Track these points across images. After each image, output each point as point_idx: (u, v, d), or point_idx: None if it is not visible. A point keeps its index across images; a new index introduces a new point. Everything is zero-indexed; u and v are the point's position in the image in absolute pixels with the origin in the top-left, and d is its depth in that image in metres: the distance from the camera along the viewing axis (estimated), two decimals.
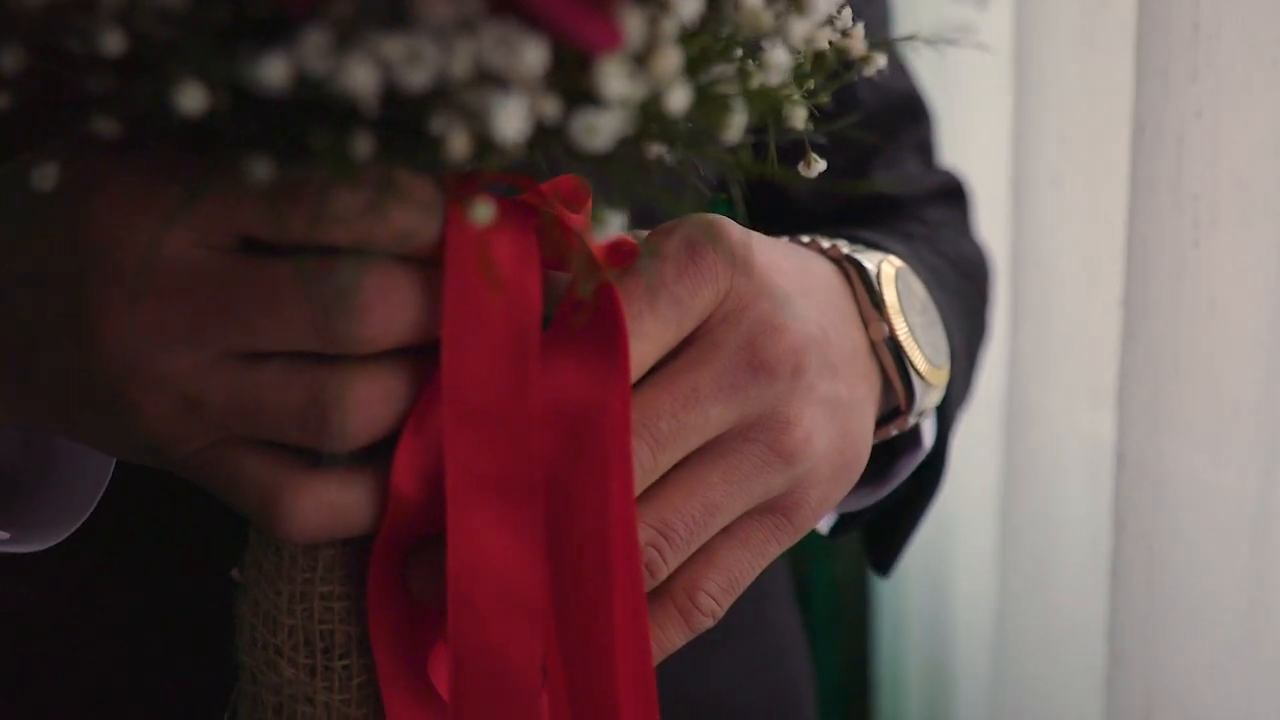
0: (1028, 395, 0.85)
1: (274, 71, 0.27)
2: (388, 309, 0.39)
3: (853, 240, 0.62)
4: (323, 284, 0.38)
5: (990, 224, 0.89)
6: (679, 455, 0.43)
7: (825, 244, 0.54)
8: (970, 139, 0.97)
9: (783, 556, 0.51)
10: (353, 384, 0.39)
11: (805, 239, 0.55)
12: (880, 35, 0.84)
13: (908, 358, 0.52)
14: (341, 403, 0.39)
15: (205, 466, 0.42)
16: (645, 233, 0.47)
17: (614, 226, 0.34)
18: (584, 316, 0.41)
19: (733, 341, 0.44)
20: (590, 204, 0.44)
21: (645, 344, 0.43)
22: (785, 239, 0.55)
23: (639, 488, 0.43)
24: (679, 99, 0.31)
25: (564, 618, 0.42)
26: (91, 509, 0.49)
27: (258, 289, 0.38)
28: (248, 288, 0.38)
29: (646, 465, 0.43)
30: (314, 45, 0.28)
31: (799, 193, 0.80)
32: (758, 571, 0.46)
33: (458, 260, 0.39)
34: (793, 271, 0.47)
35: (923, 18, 1.00)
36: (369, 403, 0.40)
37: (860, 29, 0.40)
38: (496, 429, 0.40)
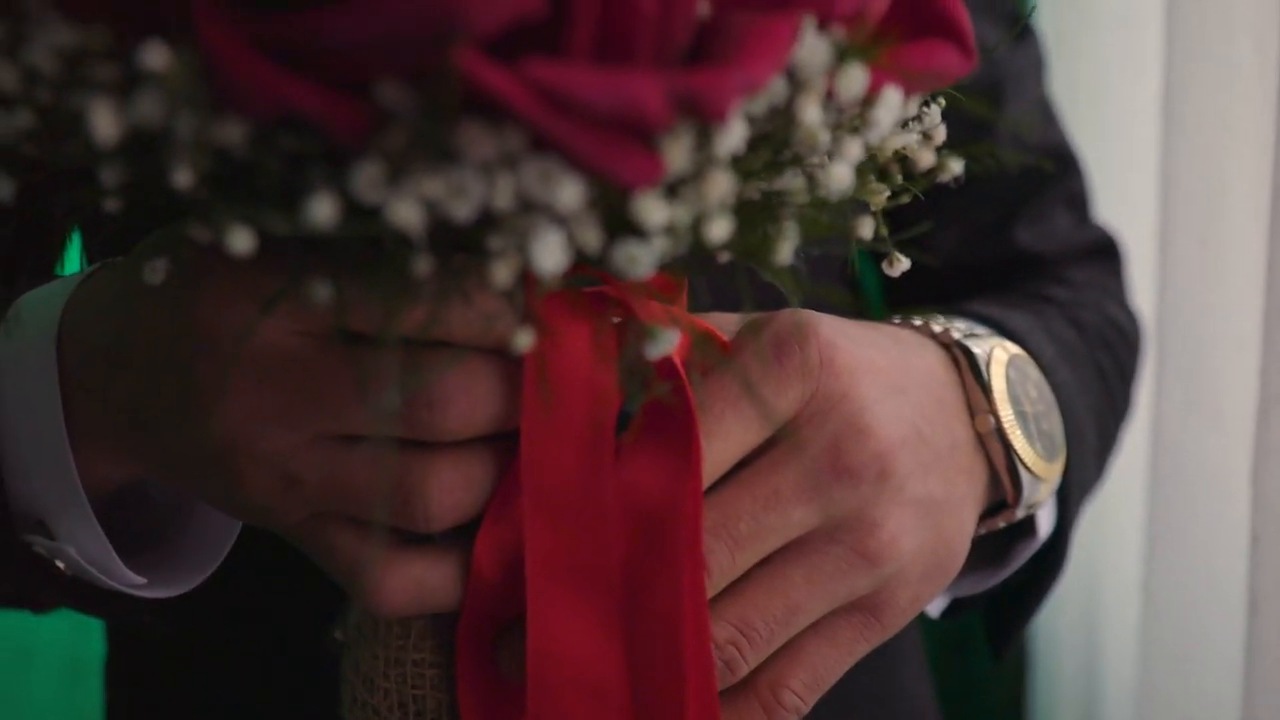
0: (1172, 466, 0.82)
1: (322, 211, 0.29)
2: (469, 400, 0.40)
3: (972, 317, 0.61)
4: (409, 375, 0.39)
5: (1135, 283, 0.86)
6: (759, 555, 0.43)
7: (937, 327, 0.54)
8: (1117, 194, 0.94)
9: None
10: (436, 470, 0.41)
11: (917, 321, 0.54)
12: (1032, 84, 0.83)
13: (1015, 451, 0.51)
14: (425, 488, 0.41)
15: (305, 537, 0.44)
16: (735, 317, 0.47)
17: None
18: (644, 411, 0.41)
19: (817, 443, 0.44)
20: (685, 296, 0.44)
21: (727, 443, 0.43)
22: (895, 322, 0.54)
23: (717, 586, 0.43)
24: (720, 230, 0.31)
25: (640, 708, 0.43)
26: (221, 558, 0.52)
27: (348, 377, 0.40)
28: (339, 375, 0.40)
29: (725, 565, 0.43)
30: (366, 179, 0.30)
31: (940, 247, 0.79)
32: (844, 669, 0.46)
33: (538, 353, 0.40)
34: (888, 368, 0.47)
35: (1080, 65, 0.98)
36: (451, 488, 0.41)
37: (942, 130, 0.39)
38: (574, 519, 0.41)
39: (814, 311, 0.48)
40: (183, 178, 0.30)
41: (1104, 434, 0.68)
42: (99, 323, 0.46)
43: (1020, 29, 0.83)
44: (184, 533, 0.53)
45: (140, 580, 0.51)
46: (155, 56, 0.27)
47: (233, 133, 0.29)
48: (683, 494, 0.41)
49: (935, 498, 0.47)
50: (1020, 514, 0.53)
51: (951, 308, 0.62)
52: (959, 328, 0.54)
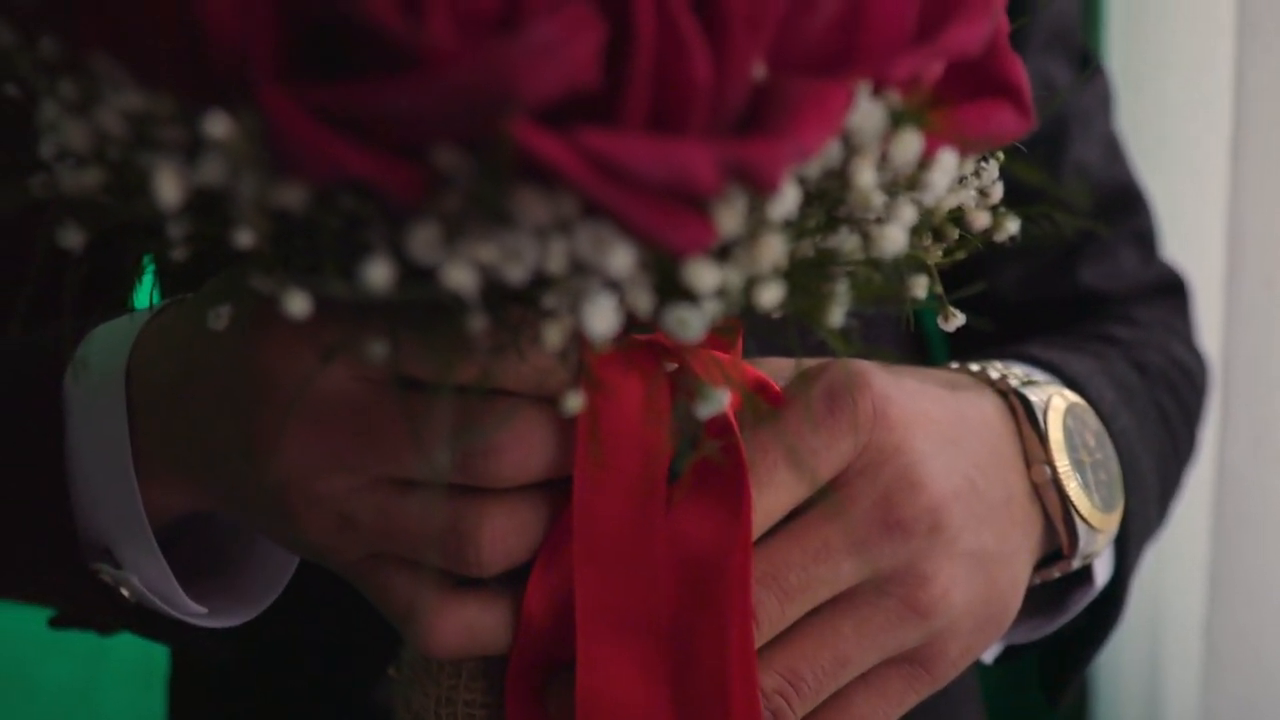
0: (1236, 507, 0.81)
1: (378, 275, 0.29)
2: (523, 449, 0.41)
3: (1031, 362, 0.61)
4: (464, 423, 0.40)
5: (1201, 323, 0.85)
6: (808, 607, 0.44)
7: (995, 374, 0.53)
8: (1184, 234, 0.93)
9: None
10: (489, 516, 0.41)
11: (975, 367, 0.54)
12: (1099, 121, 0.82)
13: (1071, 502, 0.50)
14: (478, 534, 0.41)
15: (360, 576, 0.45)
16: (790, 363, 0.47)
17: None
18: (701, 463, 0.42)
19: (868, 496, 0.44)
20: (740, 342, 0.44)
21: (778, 495, 0.43)
22: (952, 367, 0.54)
23: (766, 637, 0.43)
24: (771, 295, 0.31)
25: None
26: (280, 590, 0.53)
27: (405, 423, 0.41)
28: (396, 421, 0.41)
29: (774, 616, 0.43)
30: (422, 240, 0.30)
31: (1003, 283, 0.79)
32: None
33: (590, 406, 0.40)
34: (942, 419, 0.47)
35: (1148, 103, 0.97)
36: (504, 535, 0.42)
37: (999, 187, 0.39)
38: (623, 568, 0.42)
39: (868, 361, 0.47)
40: (244, 238, 0.30)
41: (1166, 478, 0.67)
42: (166, 360, 0.47)
43: (1088, 66, 0.83)
44: (246, 562, 0.54)
45: (201, 610, 0.52)
46: (218, 125, 0.28)
47: (293, 196, 0.29)
48: (732, 545, 0.41)
49: (988, 550, 0.46)
50: (1076, 564, 0.52)
51: (1011, 351, 0.62)
52: (1017, 374, 0.54)
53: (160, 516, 0.50)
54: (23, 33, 0.34)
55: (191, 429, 0.46)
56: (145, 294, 0.55)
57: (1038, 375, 0.58)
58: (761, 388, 0.44)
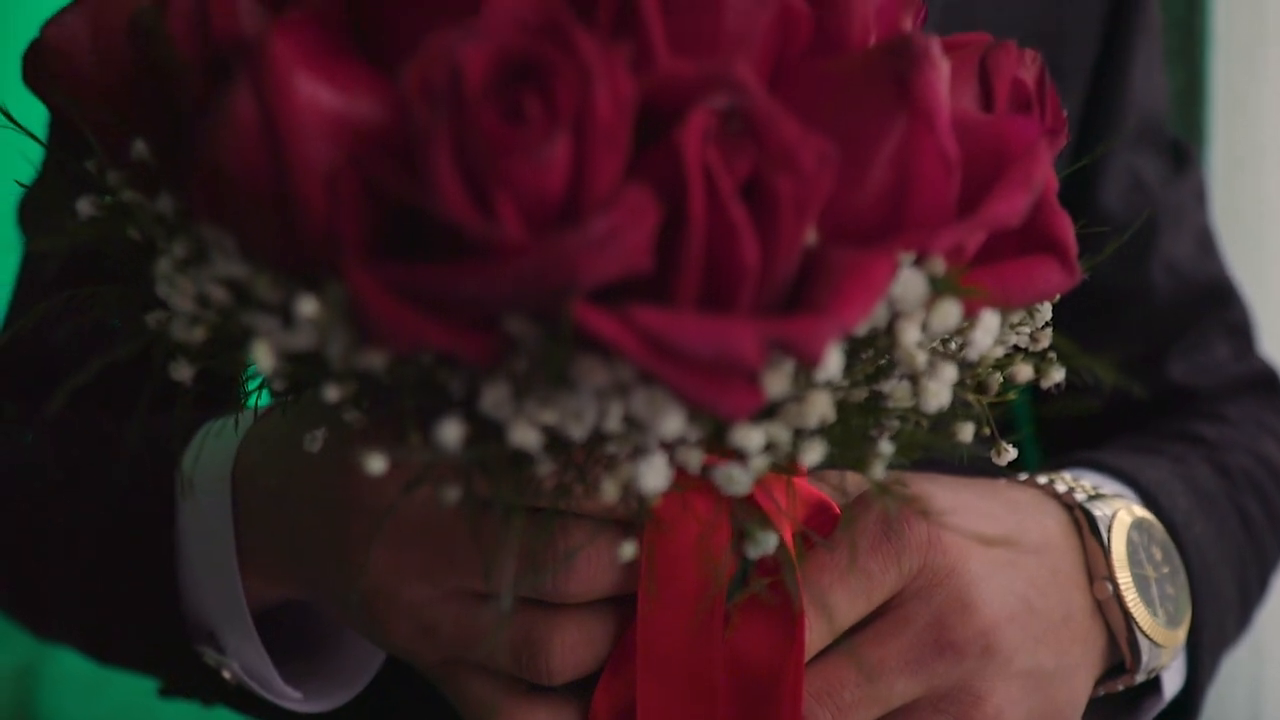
0: None
1: (450, 435, 0.32)
2: (591, 568, 0.43)
3: (1104, 470, 0.61)
4: (537, 542, 0.43)
5: None
6: None
7: (1061, 487, 0.54)
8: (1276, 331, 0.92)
9: None
10: (560, 629, 0.44)
11: (1043, 479, 0.55)
12: (1191, 215, 0.82)
13: (1134, 619, 0.51)
14: (549, 645, 0.44)
15: (441, 678, 0.48)
16: (853, 479, 0.49)
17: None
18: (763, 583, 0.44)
19: (922, 618, 0.45)
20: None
21: (833, 616, 0.45)
22: (1021, 479, 0.55)
23: None
24: (814, 455, 0.33)
25: None
26: (369, 677, 0.57)
27: (481, 541, 0.44)
28: (474, 539, 0.44)
29: None
30: (492, 399, 0.33)
31: (1089, 380, 0.79)
32: None
33: (656, 524, 0.42)
34: (1000, 539, 0.48)
35: (1245, 197, 0.96)
36: (573, 646, 0.44)
37: (1049, 333, 0.41)
38: (683, 682, 0.44)
39: (928, 479, 0.49)
40: (332, 394, 0.34)
41: (1246, 586, 0.67)
42: (267, 464, 0.51)
43: (1180, 159, 0.83)
44: (339, 648, 0.58)
45: (296, 695, 0.55)
46: (307, 305, 0.31)
47: (376, 360, 0.32)
48: (786, 663, 0.43)
49: (1045, 668, 0.48)
50: (1140, 678, 0.53)
51: (1085, 458, 0.63)
52: (1085, 486, 0.55)
53: (260, 604, 0.53)
54: (144, 190, 0.38)
55: (289, 533, 0.50)
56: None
57: (1107, 486, 0.58)
58: (822, 508, 0.46)
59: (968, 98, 0.40)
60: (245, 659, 0.54)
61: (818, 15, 0.36)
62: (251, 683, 0.54)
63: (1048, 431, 0.83)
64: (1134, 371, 0.79)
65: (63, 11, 0.40)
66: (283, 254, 0.32)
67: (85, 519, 0.59)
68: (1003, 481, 0.54)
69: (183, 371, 0.39)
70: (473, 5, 0.31)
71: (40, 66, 0.40)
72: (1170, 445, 0.71)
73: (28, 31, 0.41)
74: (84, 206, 0.39)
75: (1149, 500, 0.59)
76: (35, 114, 0.44)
